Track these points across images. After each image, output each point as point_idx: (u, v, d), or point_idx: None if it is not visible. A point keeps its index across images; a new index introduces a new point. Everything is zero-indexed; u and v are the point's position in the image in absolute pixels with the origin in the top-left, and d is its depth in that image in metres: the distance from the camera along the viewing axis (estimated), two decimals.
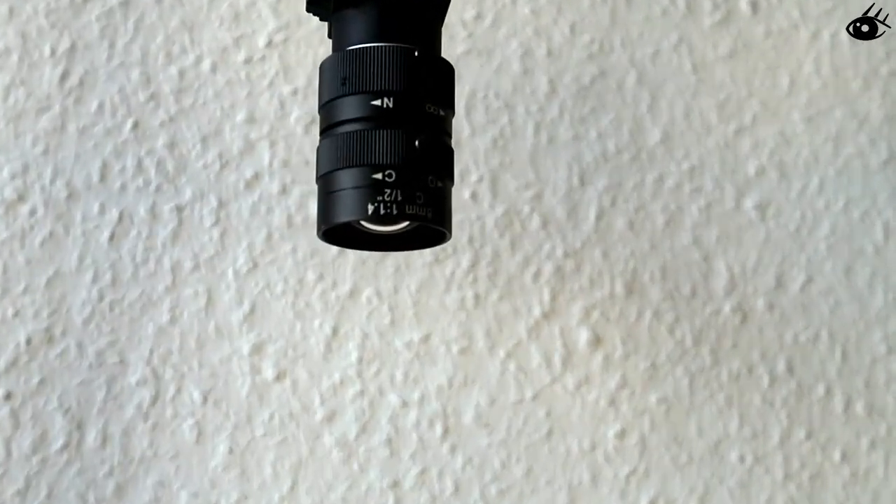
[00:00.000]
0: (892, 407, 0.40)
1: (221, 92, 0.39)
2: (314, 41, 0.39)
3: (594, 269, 0.39)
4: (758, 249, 0.40)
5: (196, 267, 0.38)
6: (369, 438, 0.37)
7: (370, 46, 0.28)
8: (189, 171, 0.38)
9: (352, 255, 0.38)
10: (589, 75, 0.41)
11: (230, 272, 0.38)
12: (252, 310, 0.38)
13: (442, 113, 0.29)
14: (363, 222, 0.28)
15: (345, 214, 0.28)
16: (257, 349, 0.38)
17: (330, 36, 0.30)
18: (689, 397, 0.39)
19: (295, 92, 0.39)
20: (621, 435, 0.38)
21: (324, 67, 0.29)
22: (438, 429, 0.38)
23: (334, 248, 0.38)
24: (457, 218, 0.39)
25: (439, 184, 0.28)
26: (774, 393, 0.39)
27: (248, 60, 0.39)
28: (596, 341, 0.39)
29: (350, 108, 0.28)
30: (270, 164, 0.38)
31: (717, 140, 0.40)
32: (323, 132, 0.29)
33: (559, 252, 0.39)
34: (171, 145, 0.38)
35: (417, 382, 0.38)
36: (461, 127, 0.39)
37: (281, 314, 0.38)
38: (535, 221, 0.39)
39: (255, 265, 0.38)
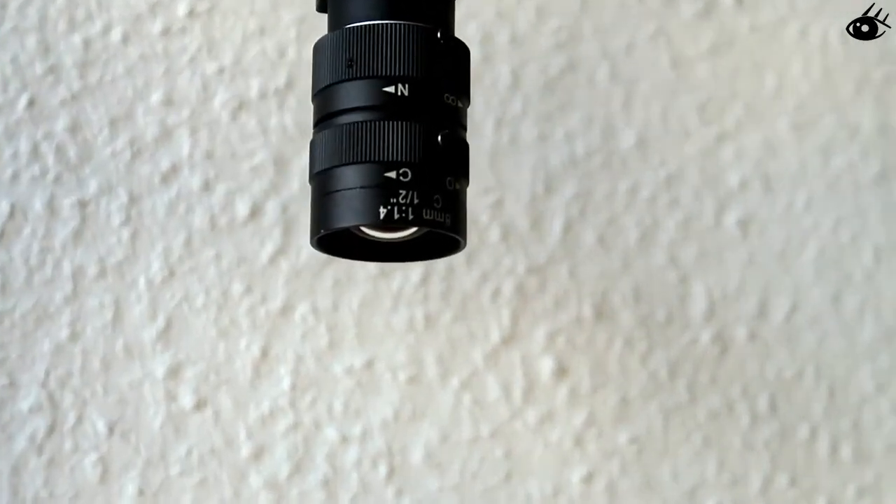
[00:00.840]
0: (880, 452, 0.62)
1: (134, 68, 0.57)
2: (243, 12, 0.58)
3: (560, 288, 0.60)
4: (740, 272, 0.62)
5: (102, 273, 0.56)
6: (303, 479, 0.56)
7: (383, 24, 0.41)
8: (95, 159, 0.56)
9: (284, 265, 0.57)
10: (556, 67, 0.62)
11: (142, 281, 0.56)
12: (167, 326, 0.56)
13: (460, 104, 0.42)
14: (365, 228, 0.42)
15: (350, 218, 0.40)
16: (173, 372, 0.56)
17: (321, 9, 0.45)
18: (664, 437, 0.60)
19: (220, 71, 0.57)
20: (588, 479, 0.59)
21: (322, 47, 0.42)
22: (382, 469, 0.57)
23: (264, 256, 0.57)
24: None
25: (457, 186, 0.42)
26: (756, 434, 0.61)
27: (165, 32, 0.57)
28: (561, 372, 0.59)
29: (357, 94, 0.41)
30: (191, 154, 0.57)
31: (697, 146, 0.62)
32: (319, 123, 0.42)
33: (521, 268, 0.59)
34: (74, 128, 0.56)
35: (359, 415, 0.57)
36: None
37: (201, 332, 0.56)
38: (495, 232, 0.59)
39: (172, 273, 0.56)
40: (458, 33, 0.60)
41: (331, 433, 0.58)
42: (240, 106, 0.59)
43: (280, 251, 0.58)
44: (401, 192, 0.40)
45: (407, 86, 0.41)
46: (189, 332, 0.57)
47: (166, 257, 0.57)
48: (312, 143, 0.43)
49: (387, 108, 0.41)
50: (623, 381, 0.61)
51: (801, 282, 0.64)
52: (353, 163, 0.41)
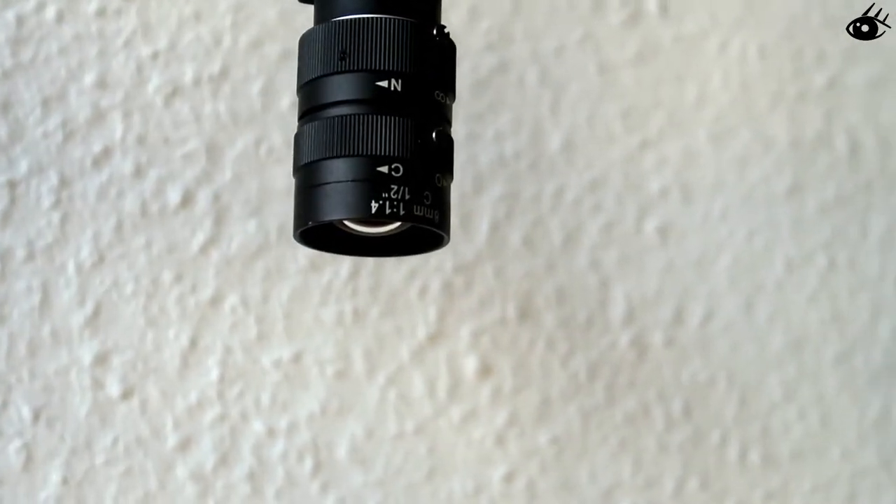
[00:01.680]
0: (786, 457, 0.68)
1: (68, 48, 0.60)
2: None
3: (485, 287, 0.64)
4: (658, 277, 0.67)
5: (30, 256, 0.58)
6: (229, 472, 0.59)
7: (377, 17, 0.44)
8: (26, 139, 0.59)
9: (215, 254, 0.60)
10: (487, 67, 0.66)
11: (71, 265, 0.59)
12: (96, 312, 0.59)
13: (448, 101, 0.46)
14: (348, 222, 0.45)
15: (341, 210, 0.44)
16: (101, 360, 0.59)
17: (307, 0, 0.49)
18: (582, 438, 0.65)
19: (155, 55, 0.61)
20: (508, 478, 0.63)
21: (310, 38, 0.45)
22: (308, 463, 0.60)
23: (195, 245, 0.60)
24: None
25: (444, 182, 0.45)
26: (670, 437, 0.66)
27: (100, 13, 0.60)
28: (485, 370, 0.63)
29: (348, 87, 0.44)
30: (123, 138, 0.60)
31: (621, 152, 0.67)
32: (306, 114, 0.46)
33: (449, 266, 0.64)
34: (5, 107, 0.59)
35: (286, 408, 0.61)
36: None
37: (130, 319, 0.59)
38: None
39: (102, 259, 0.59)
40: None
41: (258, 426, 0.61)
42: (174, 91, 0.62)
43: (211, 241, 0.61)
44: (392, 186, 0.44)
45: (400, 81, 0.45)
46: (118, 320, 0.60)
47: (96, 242, 0.60)
48: (298, 135, 0.46)
49: (379, 103, 0.45)
50: (544, 381, 0.66)
51: (716, 290, 0.69)
52: (344, 156, 0.44)
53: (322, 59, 0.45)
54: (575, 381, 0.67)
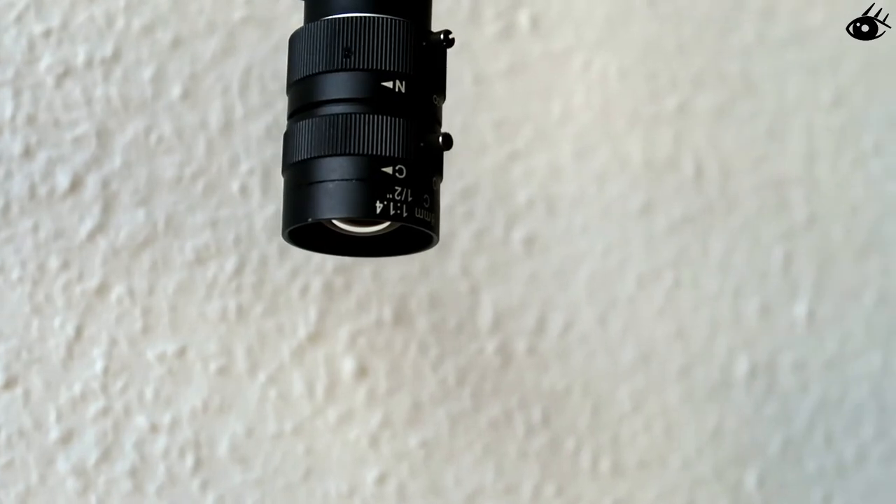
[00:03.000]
0: (633, 467, 0.73)
1: None
2: None
3: (363, 289, 0.66)
4: (522, 287, 0.70)
5: None
6: (111, 467, 0.60)
7: (384, 18, 0.45)
8: None
9: (102, 243, 0.60)
10: None
11: None
12: None
13: (440, 104, 0.48)
14: (338, 221, 0.46)
15: (344, 209, 0.45)
16: None
17: None
18: (449, 443, 0.68)
19: (48, 33, 0.60)
20: (381, 480, 0.65)
21: (309, 34, 0.46)
22: (189, 460, 0.61)
23: (83, 232, 0.60)
24: (223, 213, 0.63)
25: (438, 185, 0.47)
26: (529, 444, 0.70)
27: None
28: (361, 372, 0.65)
29: (350, 85, 0.45)
30: (13, 118, 0.59)
31: (492, 162, 0.71)
32: (300, 111, 0.47)
33: (329, 266, 0.65)
34: None
35: (169, 403, 0.61)
36: (233, 106, 0.63)
37: (15, 306, 0.59)
38: None
39: None
40: (280, 26, 0.66)
41: (141, 421, 0.61)
42: (65, 72, 0.61)
43: (99, 228, 0.61)
44: (396, 188, 0.45)
45: (404, 83, 0.46)
46: (2, 306, 0.59)
47: None
48: (291, 132, 0.47)
49: (382, 103, 0.46)
50: (416, 385, 0.68)
51: (575, 301, 0.73)
52: (346, 154, 0.45)
53: (324, 55, 0.46)
54: (444, 386, 0.69)
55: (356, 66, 0.46)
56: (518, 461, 0.71)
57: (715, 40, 0.79)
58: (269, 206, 0.66)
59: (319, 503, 0.66)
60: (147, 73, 0.63)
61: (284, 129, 0.66)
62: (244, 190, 0.65)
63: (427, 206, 0.46)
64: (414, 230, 0.48)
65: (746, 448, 0.78)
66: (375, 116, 0.45)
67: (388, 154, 0.45)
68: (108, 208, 0.62)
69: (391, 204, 0.45)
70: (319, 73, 0.46)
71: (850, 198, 0.83)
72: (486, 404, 0.71)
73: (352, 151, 0.45)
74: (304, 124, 0.46)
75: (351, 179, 0.45)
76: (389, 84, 0.46)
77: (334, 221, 0.47)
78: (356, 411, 0.67)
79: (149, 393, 0.62)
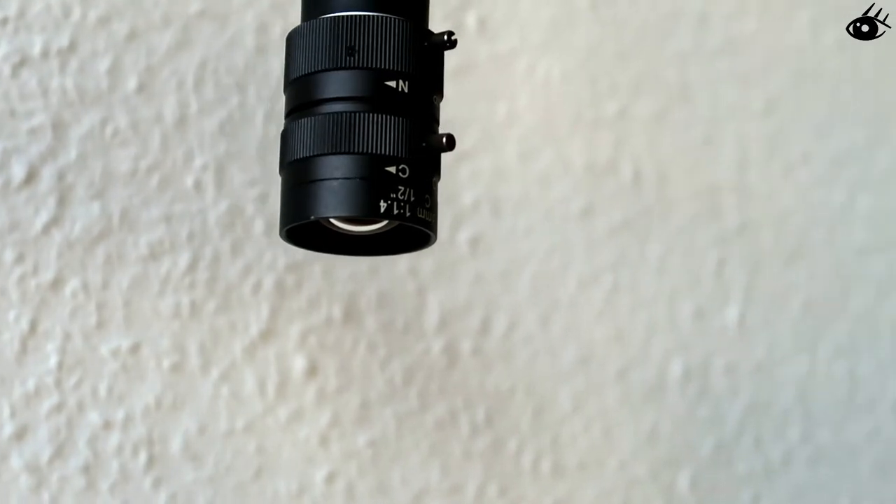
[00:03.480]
0: (572, 468, 0.74)
1: None
2: None
3: (314, 287, 0.66)
4: (468, 287, 0.71)
5: None
6: (64, 463, 0.59)
7: (387, 17, 0.46)
8: None
9: (57, 236, 0.60)
10: None
11: None
12: None
13: (438, 103, 0.49)
14: (335, 220, 0.47)
15: (347, 208, 0.45)
16: None
17: None
18: (396, 442, 0.68)
19: (4, 22, 0.61)
20: (330, 479, 0.66)
21: (310, 32, 0.47)
22: (143, 457, 0.61)
23: (38, 224, 0.60)
24: (176, 209, 0.62)
25: (436, 185, 0.48)
26: (473, 444, 0.70)
27: None
28: (311, 371, 0.66)
29: (353, 84, 0.45)
30: None
31: (441, 161, 0.71)
32: (299, 108, 0.47)
33: (281, 263, 0.66)
34: None
35: (123, 400, 0.61)
36: (188, 101, 0.63)
37: None
38: (259, 225, 0.65)
39: None
40: (235, 21, 0.66)
41: (94, 417, 0.61)
42: (21, 62, 0.61)
43: (54, 221, 0.61)
44: (399, 187, 0.45)
45: (407, 83, 0.46)
46: None
47: None
48: (290, 130, 0.48)
49: (386, 102, 0.46)
50: (364, 383, 0.68)
51: (518, 302, 0.74)
52: (350, 153, 0.45)
53: (327, 53, 0.46)
54: (391, 385, 0.70)
55: (360, 65, 0.46)
56: (463, 461, 0.72)
57: (653, 47, 0.81)
58: (223, 202, 0.65)
59: (269, 502, 0.66)
60: (103, 64, 0.63)
61: (240, 125, 0.66)
62: (198, 185, 0.65)
63: (428, 206, 0.47)
64: (411, 229, 0.48)
65: (680, 450, 0.80)
66: (380, 116, 0.45)
67: (391, 154, 0.45)
68: (63, 201, 0.61)
69: (394, 203, 0.45)
70: (321, 70, 0.46)
71: (779, 205, 0.85)
72: (432, 404, 0.71)
73: (355, 150, 0.45)
74: (305, 122, 0.47)
75: (354, 178, 0.45)
76: (393, 83, 0.46)
77: (332, 220, 0.47)
78: (306, 410, 0.67)
79: (102, 389, 0.62)
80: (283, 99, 0.68)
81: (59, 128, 0.62)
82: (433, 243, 0.49)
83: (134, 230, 0.63)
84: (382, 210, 0.45)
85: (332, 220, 0.47)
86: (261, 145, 0.67)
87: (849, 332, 0.86)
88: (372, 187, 0.45)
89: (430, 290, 0.72)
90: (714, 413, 0.81)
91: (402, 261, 0.71)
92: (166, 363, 0.64)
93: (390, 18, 0.46)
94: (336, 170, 0.45)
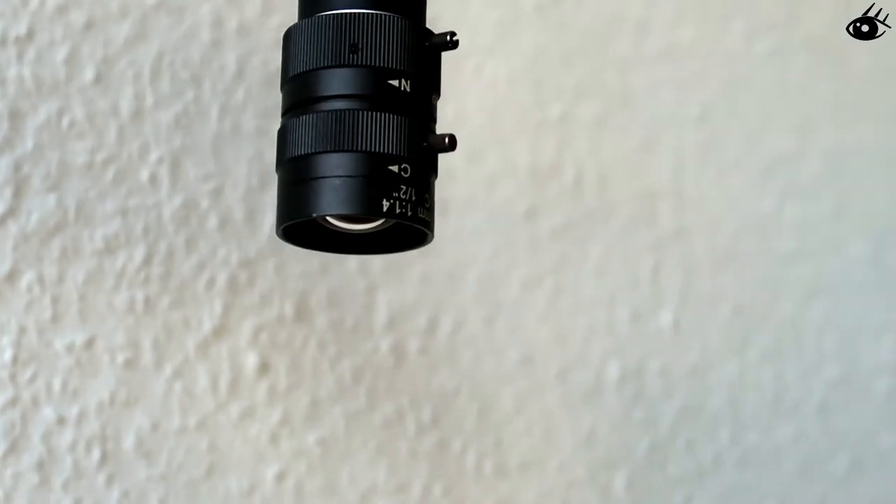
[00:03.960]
0: (514, 468, 0.74)
1: None
2: None
3: (266, 284, 0.66)
4: (416, 286, 0.72)
5: None
6: (18, 459, 0.58)
7: (390, 16, 0.46)
8: None
9: (13, 227, 0.59)
10: (276, 62, 0.68)
11: None
12: None
13: (435, 103, 0.49)
14: (331, 218, 0.46)
15: (350, 206, 0.45)
16: None
17: None
18: (345, 441, 0.68)
19: None
20: (280, 477, 0.66)
21: (313, 28, 0.47)
22: (96, 454, 0.60)
23: None
24: (132, 203, 0.62)
25: (434, 185, 0.48)
26: (419, 444, 0.71)
27: None
28: (263, 368, 0.65)
29: (354, 82, 0.45)
30: None
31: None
32: (298, 106, 0.47)
33: (234, 259, 0.65)
34: None
35: (77, 395, 0.60)
36: (144, 93, 0.63)
37: None
38: (213, 220, 0.65)
39: None
40: (191, 14, 0.65)
41: (48, 413, 0.60)
42: None
43: (10, 212, 0.60)
44: (401, 187, 0.45)
45: (409, 82, 0.46)
46: None
47: None
48: (287, 127, 0.47)
49: (388, 101, 0.46)
50: (314, 382, 0.68)
51: (464, 303, 0.74)
52: (353, 151, 0.45)
53: (329, 50, 0.46)
54: (341, 384, 0.70)
55: (363, 63, 0.46)
56: (409, 460, 0.72)
57: (596, 51, 0.82)
58: (177, 196, 0.65)
59: (221, 500, 0.65)
60: (60, 54, 0.62)
61: (195, 119, 0.66)
62: (153, 179, 0.64)
63: (427, 205, 0.47)
64: (406, 228, 0.48)
65: (617, 451, 0.80)
66: (383, 114, 0.45)
67: (394, 152, 0.45)
68: (19, 192, 0.60)
69: (397, 202, 0.45)
70: (323, 68, 0.46)
71: (712, 211, 0.86)
72: (379, 403, 0.71)
73: (358, 148, 0.45)
74: (306, 119, 0.46)
75: (358, 176, 0.45)
76: (395, 83, 0.46)
77: (328, 218, 0.47)
78: (257, 407, 0.67)
79: (57, 384, 0.61)
80: (237, 94, 0.68)
81: (15, 117, 0.60)
82: (430, 242, 0.49)
83: (90, 223, 0.62)
84: (385, 209, 0.45)
85: (329, 219, 0.47)
86: (215, 140, 0.67)
87: (775, 337, 0.88)
88: (375, 186, 0.45)
89: (379, 289, 0.72)
90: (649, 415, 0.82)
91: (353, 259, 0.71)
92: (120, 358, 0.63)
93: (394, 17, 0.46)
94: (338, 167, 0.45)
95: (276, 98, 0.69)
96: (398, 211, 0.45)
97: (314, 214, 0.46)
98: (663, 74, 0.84)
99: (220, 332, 0.66)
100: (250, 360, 0.67)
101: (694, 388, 0.85)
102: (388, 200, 0.45)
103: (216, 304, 0.66)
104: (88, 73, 0.63)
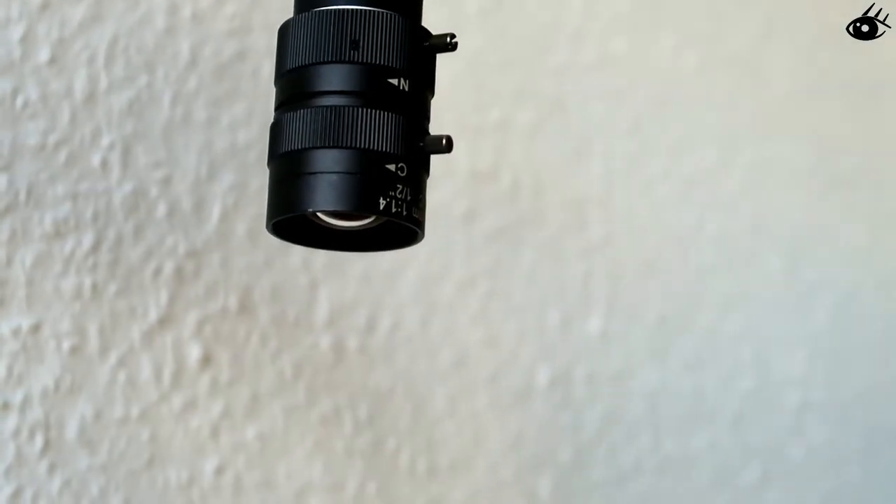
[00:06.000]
0: (445, 469, 0.74)
1: None
2: None
3: (212, 276, 0.65)
4: (356, 284, 0.71)
5: None
6: None
7: (392, 14, 0.45)
8: None
9: None
10: (228, 53, 0.68)
11: None
12: None
13: (429, 103, 0.48)
14: (322, 214, 0.46)
15: (346, 203, 0.44)
16: None
17: None
18: (283, 436, 0.67)
19: None
20: (219, 471, 0.65)
21: (311, 22, 0.46)
22: (39, 441, 0.59)
23: None
24: (82, 187, 0.61)
25: (426, 184, 0.48)
26: (355, 442, 0.70)
27: None
28: (205, 360, 0.65)
29: (354, 78, 0.45)
30: None
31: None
32: (294, 100, 0.46)
33: (181, 249, 0.64)
34: None
35: (22, 381, 0.59)
36: (98, 76, 0.62)
37: None
38: (162, 209, 0.64)
39: None
40: None
41: None
42: None
43: None
44: (398, 186, 0.45)
45: (408, 81, 0.46)
46: None
47: None
48: (283, 121, 0.46)
49: (387, 100, 0.45)
50: (255, 375, 0.67)
51: (401, 302, 0.74)
52: (350, 147, 0.44)
53: (329, 45, 0.45)
54: (281, 378, 0.69)
55: (363, 60, 0.45)
56: (344, 458, 0.71)
57: (534, 58, 0.82)
58: (128, 183, 0.64)
59: (160, 492, 0.64)
60: (16, 33, 0.60)
61: (147, 105, 0.65)
62: (104, 164, 0.63)
63: (421, 205, 0.47)
64: (397, 226, 0.48)
65: (543, 455, 0.81)
66: (382, 112, 0.45)
67: (391, 151, 0.45)
68: None
69: (393, 201, 0.45)
70: (321, 63, 0.45)
71: (639, 222, 0.87)
72: (318, 399, 0.70)
73: (356, 145, 0.44)
74: (302, 114, 0.45)
75: (355, 173, 0.44)
76: (394, 81, 0.45)
77: (319, 214, 0.46)
78: (199, 399, 0.66)
79: (2, 370, 0.59)
80: (190, 82, 0.67)
81: None
82: (419, 241, 0.49)
83: (40, 206, 0.61)
84: (381, 207, 0.45)
85: (321, 215, 0.46)
86: (166, 128, 0.66)
87: (695, 347, 0.89)
88: (371, 184, 0.45)
89: (321, 284, 0.71)
90: (575, 420, 0.83)
91: (296, 254, 0.70)
92: (66, 345, 0.61)
93: (395, 16, 0.46)
94: (336, 163, 0.44)
95: (226, 88, 0.68)
96: (394, 210, 0.45)
97: (309, 210, 0.45)
98: (596, 84, 0.85)
99: (165, 321, 0.65)
100: (194, 352, 0.66)
101: (617, 394, 0.85)
102: (384, 199, 0.45)
103: (162, 294, 0.65)
104: (43, 54, 0.61)
